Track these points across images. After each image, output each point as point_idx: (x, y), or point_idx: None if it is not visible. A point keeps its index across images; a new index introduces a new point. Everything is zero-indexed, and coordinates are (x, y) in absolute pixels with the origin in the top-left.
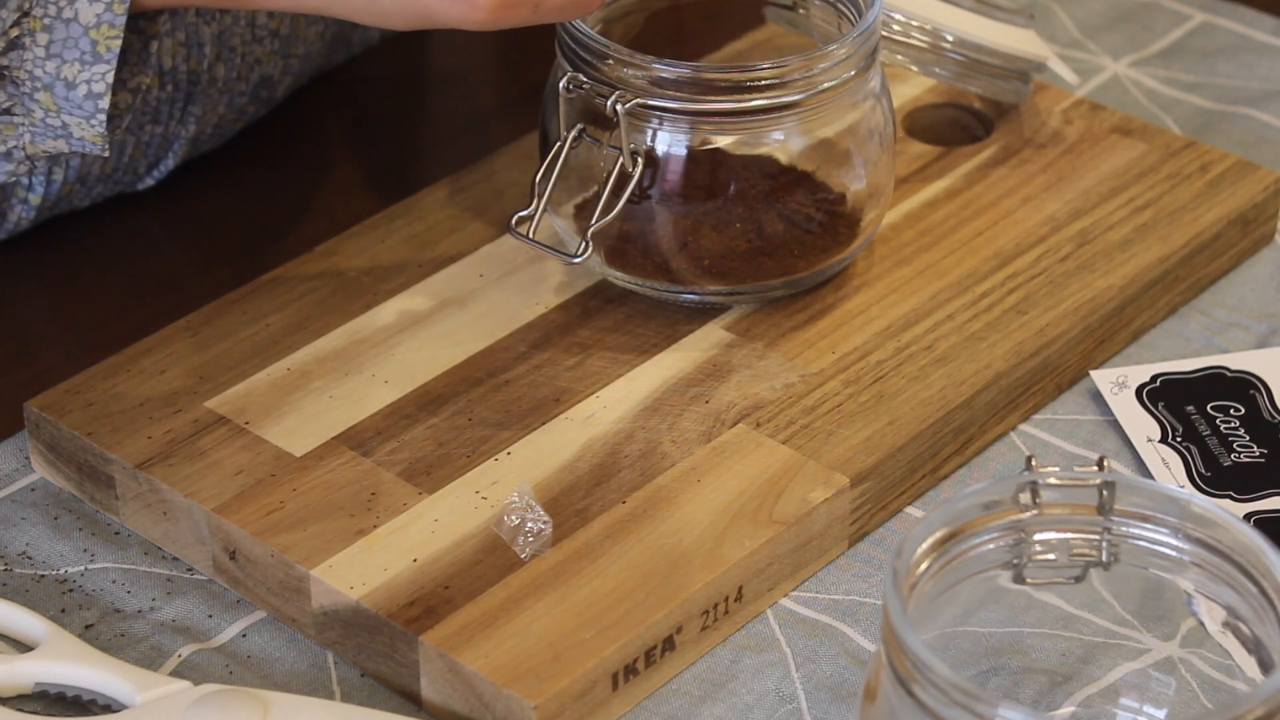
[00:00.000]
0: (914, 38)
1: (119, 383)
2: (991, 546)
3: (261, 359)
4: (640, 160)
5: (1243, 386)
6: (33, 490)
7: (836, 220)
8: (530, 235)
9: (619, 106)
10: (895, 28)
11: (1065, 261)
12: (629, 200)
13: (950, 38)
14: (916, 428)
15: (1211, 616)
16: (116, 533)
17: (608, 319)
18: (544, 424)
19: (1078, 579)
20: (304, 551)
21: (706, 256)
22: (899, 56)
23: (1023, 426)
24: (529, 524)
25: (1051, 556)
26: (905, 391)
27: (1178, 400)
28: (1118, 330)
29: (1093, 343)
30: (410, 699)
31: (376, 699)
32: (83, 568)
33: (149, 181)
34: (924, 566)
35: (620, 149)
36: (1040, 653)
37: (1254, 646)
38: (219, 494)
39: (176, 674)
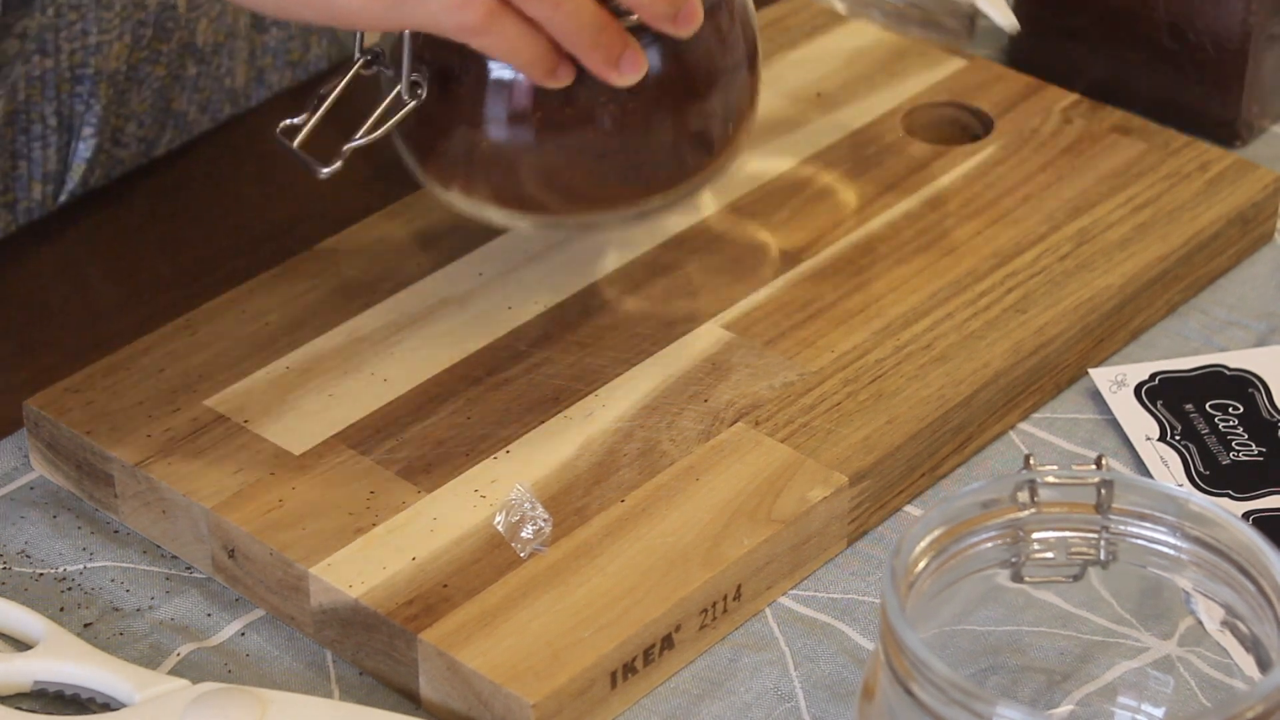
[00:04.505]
0: None
1: (118, 381)
2: (990, 545)
3: (261, 357)
4: (421, 93)
5: (1241, 385)
6: (32, 489)
7: (701, 136)
8: (295, 145)
9: (409, 29)
10: None
11: (1064, 260)
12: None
13: None
14: (915, 426)
15: (1210, 615)
16: (115, 531)
17: (606, 317)
18: (543, 422)
19: (1076, 577)
20: (303, 550)
21: (570, 178)
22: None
23: (1021, 425)
24: (528, 521)
25: (1050, 555)
26: (904, 390)
27: (1176, 399)
28: (1117, 329)
29: (1092, 341)
30: (409, 697)
31: (375, 697)
32: (82, 566)
33: (61, 198)
34: (922, 565)
35: (401, 74)
36: (1038, 651)
37: (1252, 645)
38: (218, 492)
39: (175, 672)
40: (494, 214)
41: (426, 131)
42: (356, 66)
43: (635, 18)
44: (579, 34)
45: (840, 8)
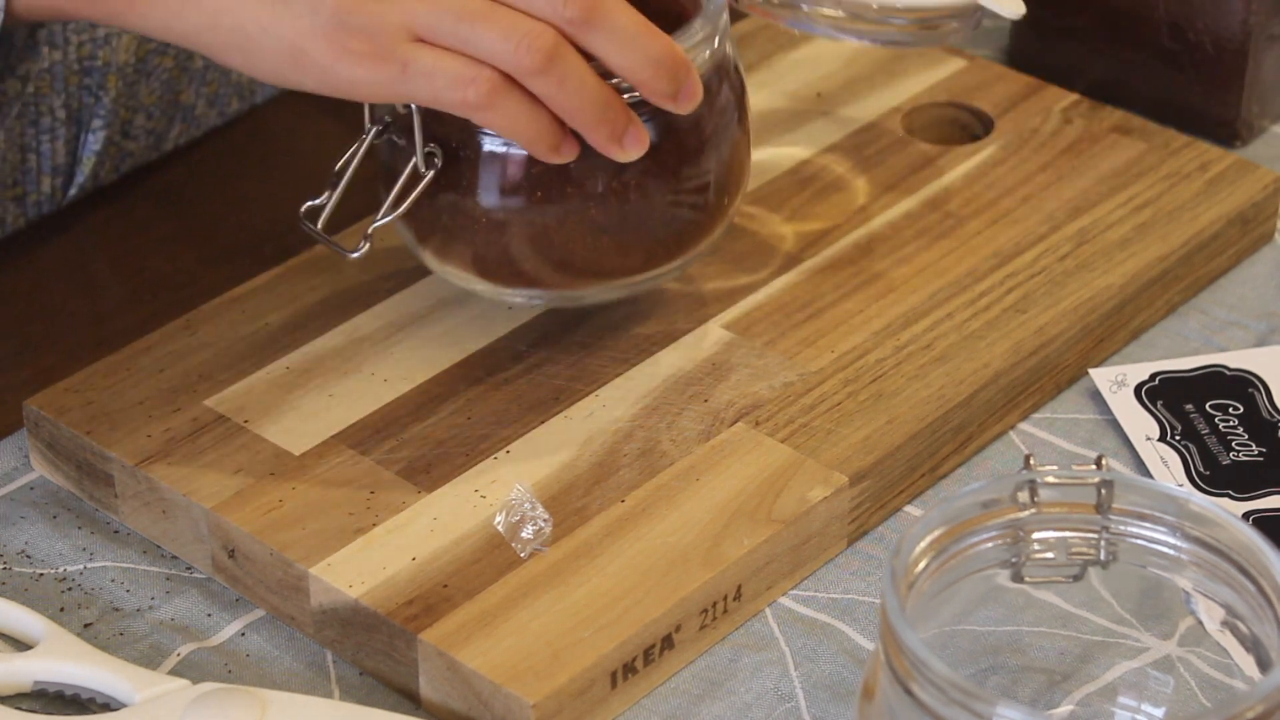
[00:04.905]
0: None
1: (118, 381)
2: (990, 545)
3: (261, 357)
4: (438, 162)
5: (1241, 385)
6: (32, 489)
7: (700, 205)
8: (319, 226)
9: (413, 102)
10: None
11: (1064, 260)
12: (485, 201)
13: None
14: (915, 427)
15: (1210, 615)
16: (115, 531)
17: (606, 318)
18: (543, 422)
19: (1076, 578)
20: (303, 550)
21: (567, 254)
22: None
23: (1021, 425)
24: (529, 521)
25: (1050, 555)
26: (904, 390)
27: (1177, 399)
28: (1117, 329)
29: (1092, 341)
30: (409, 697)
31: (375, 697)
32: (82, 566)
33: (70, 194)
34: (922, 565)
35: (415, 148)
36: (1038, 651)
37: (1252, 645)
38: (218, 492)
39: (175, 672)
40: (481, 285)
41: (424, 202)
42: (369, 138)
43: (635, 93)
44: (583, 111)
45: (851, 41)
